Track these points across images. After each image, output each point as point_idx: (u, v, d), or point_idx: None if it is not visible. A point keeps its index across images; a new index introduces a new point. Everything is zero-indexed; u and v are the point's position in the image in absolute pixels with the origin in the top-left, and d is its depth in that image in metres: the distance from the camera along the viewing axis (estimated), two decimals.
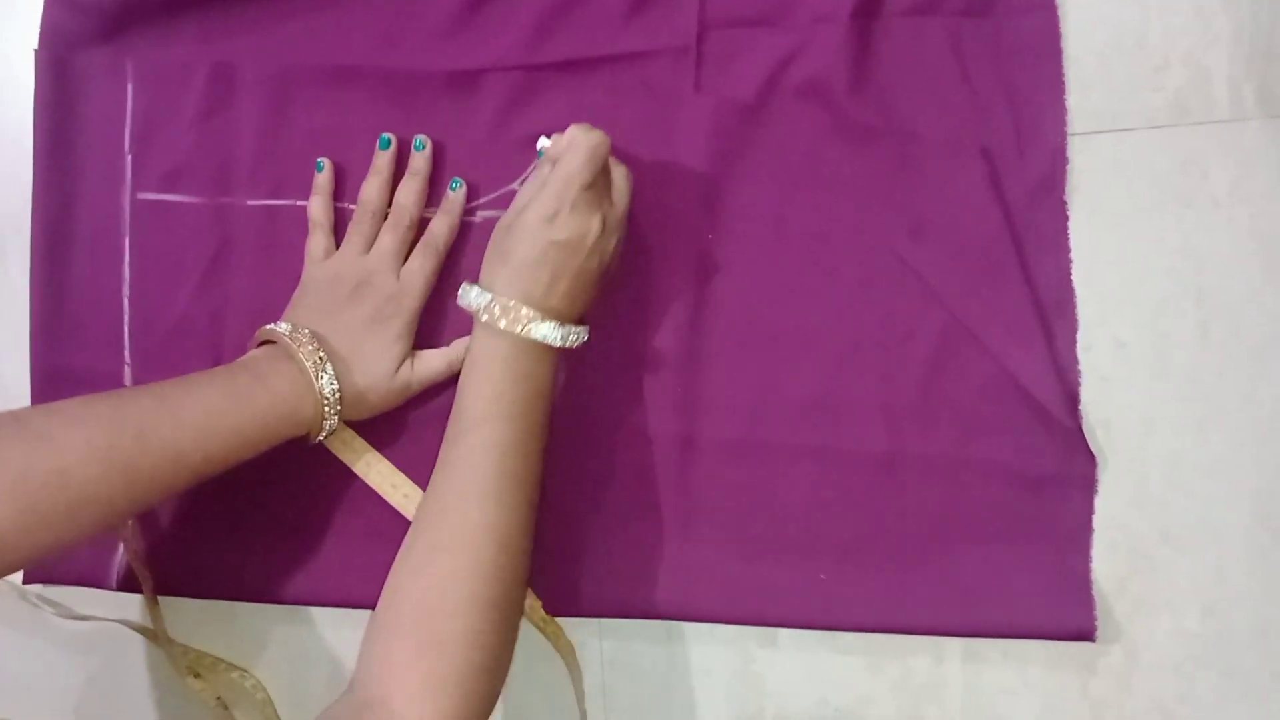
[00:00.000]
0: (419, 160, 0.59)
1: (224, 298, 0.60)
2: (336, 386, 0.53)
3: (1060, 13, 0.58)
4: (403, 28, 0.61)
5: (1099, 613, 0.56)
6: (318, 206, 0.59)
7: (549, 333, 0.50)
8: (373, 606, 0.59)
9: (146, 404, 0.48)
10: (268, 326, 0.54)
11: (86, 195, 0.61)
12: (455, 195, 0.59)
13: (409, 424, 0.59)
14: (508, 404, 0.50)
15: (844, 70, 0.58)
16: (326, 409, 0.53)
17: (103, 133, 0.61)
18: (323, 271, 0.57)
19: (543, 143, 0.55)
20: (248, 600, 0.60)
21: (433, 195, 0.60)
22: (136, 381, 0.61)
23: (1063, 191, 0.57)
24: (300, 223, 0.60)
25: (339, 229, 0.60)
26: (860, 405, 0.58)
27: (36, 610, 0.61)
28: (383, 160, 0.59)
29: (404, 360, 0.56)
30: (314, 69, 0.60)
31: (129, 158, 0.61)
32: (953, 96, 0.58)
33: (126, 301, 0.61)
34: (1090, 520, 0.56)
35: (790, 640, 0.59)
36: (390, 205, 0.58)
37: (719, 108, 0.59)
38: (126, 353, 0.61)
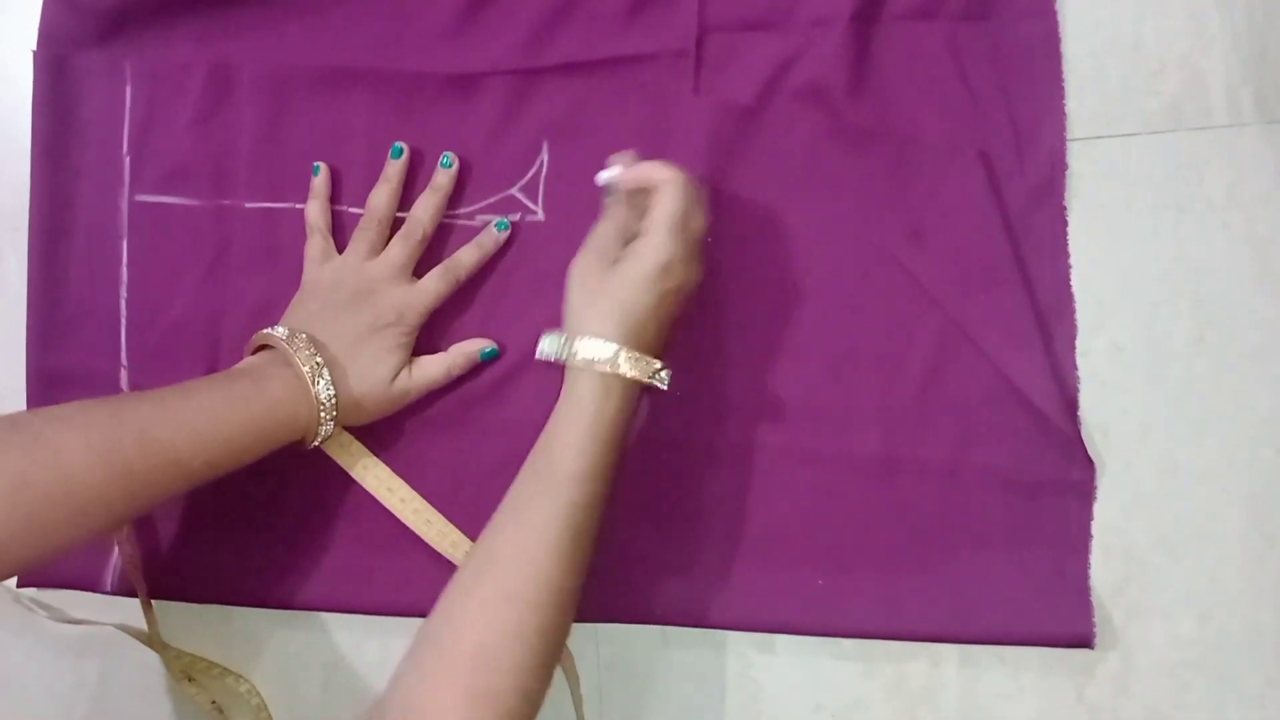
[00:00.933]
0: (443, 177, 0.58)
1: (222, 300, 0.60)
2: (333, 392, 0.53)
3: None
4: (401, 30, 0.61)
5: (1095, 618, 0.56)
6: (315, 210, 0.59)
7: (664, 378, 0.50)
8: (367, 611, 0.59)
9: (145, 409, 0.48)
10: (265, 331, 0.54)
11: (84, 197, 0.61)
12: (496, 234, 0.59)
13: (407, 430, 0.59)
14: (605, 464, 0.49)
15: (843, 74, 0.58)
16: (323, 414, 0.53)
17: (101, 134, 0.61)
18: (323, 276, 0.57)
19: (606, 176, 0.54)
20: (243, 604, 0.60)
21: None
22: (133, 384, 0.60)
23: (1061, 196, 0.57)
24: (299, 225, 0.60)
25: (338, 233, 0.60)
26: (857, 410, 0.58)
27: (30, 614, 0.61)
28: (394, 169, 0.58)
29: (401, 369, 0.56)
30: (313, 71, 0.60)
31: (127, 159, 0.61)
32: (951, 100, 0.58)
33: (124, 304, 0.61)
34: (1089, 526, 0.56)
35: (787, 645, 0.58)
36: (396, 215, 0.58)
37: (718, 111, 0.59)
38: (123, 355, 0.61)
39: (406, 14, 0.61)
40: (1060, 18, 0.58)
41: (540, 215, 0.60)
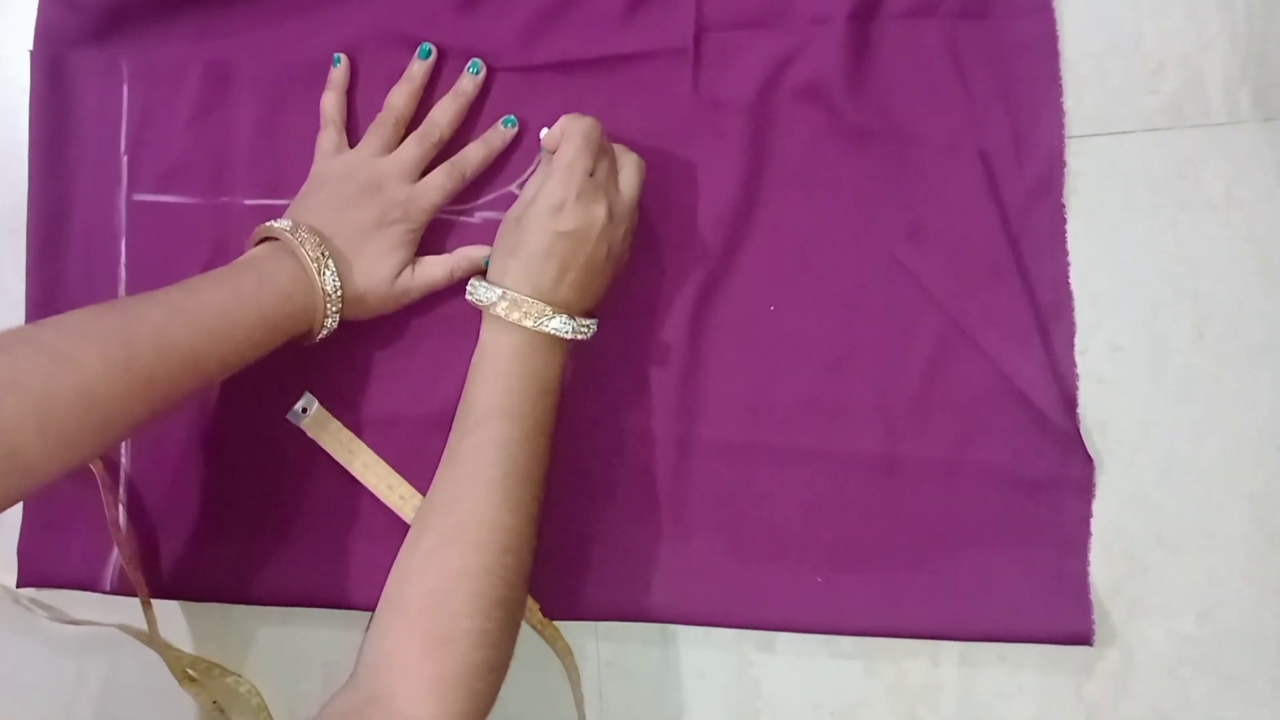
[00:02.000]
0: (468, 82, 0.59)
1: None
2: (339, 284, 0.53)
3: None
4: (398, 27, 0.61)
5: (1094, 616, 0.56)
6: (331, 102, 0.59)
7: (560, 325, 0.51)
8: (368, 608, 0.59)
9: (157, 313, 0.48)
10: (268, 223, 0.54)
11: (82, 196, 0.61)
12: (504, 130, 0.59)
13: (405, 424, 0.59)
14: (517, 400, 0.50)
15: (841, 72, 0.58)
16: (329, 306, 0.53)
17: (98, 133, 0.61)
18: (332, 168, 0.57)
19: (543, 133, 0.55)
20: (242, 602, 0.60)
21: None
22: None
23: (1060, 194, 0.57)
24: None
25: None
26: (857, 408, 0.58)
27: (30, 614, 0.61)
28: (418, 69, 0.59)
29: (405, 267, 0.56)
30: (309, 67, 0.60)
31: (125, 159, 0.61)
32: (950, 99, 0.58)
33: None
34: (1088, 524, 0.56)
35: (786, 644, 0.58)
36: (414, 117, 0.59)
37: (716, 109, 0.59)
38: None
39: (403, 11, 0.61)
40: (1059, 16, 0.58)
41: None
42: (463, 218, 0.60)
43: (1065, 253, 0.57)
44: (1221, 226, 0.57)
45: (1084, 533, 0.56)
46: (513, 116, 0.59)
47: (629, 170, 0.54)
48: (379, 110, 0.60)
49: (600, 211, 0.51)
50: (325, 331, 0.54)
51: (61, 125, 0.61)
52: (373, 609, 0.58)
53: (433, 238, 0.59)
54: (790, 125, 0.59)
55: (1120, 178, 0.58)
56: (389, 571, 0.58)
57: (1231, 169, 0.57)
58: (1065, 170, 0.57)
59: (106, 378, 0.44)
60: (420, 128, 0.58)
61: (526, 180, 0.59)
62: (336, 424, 0.58)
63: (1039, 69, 0.58)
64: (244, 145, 0.60)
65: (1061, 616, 0.56)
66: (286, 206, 0.60)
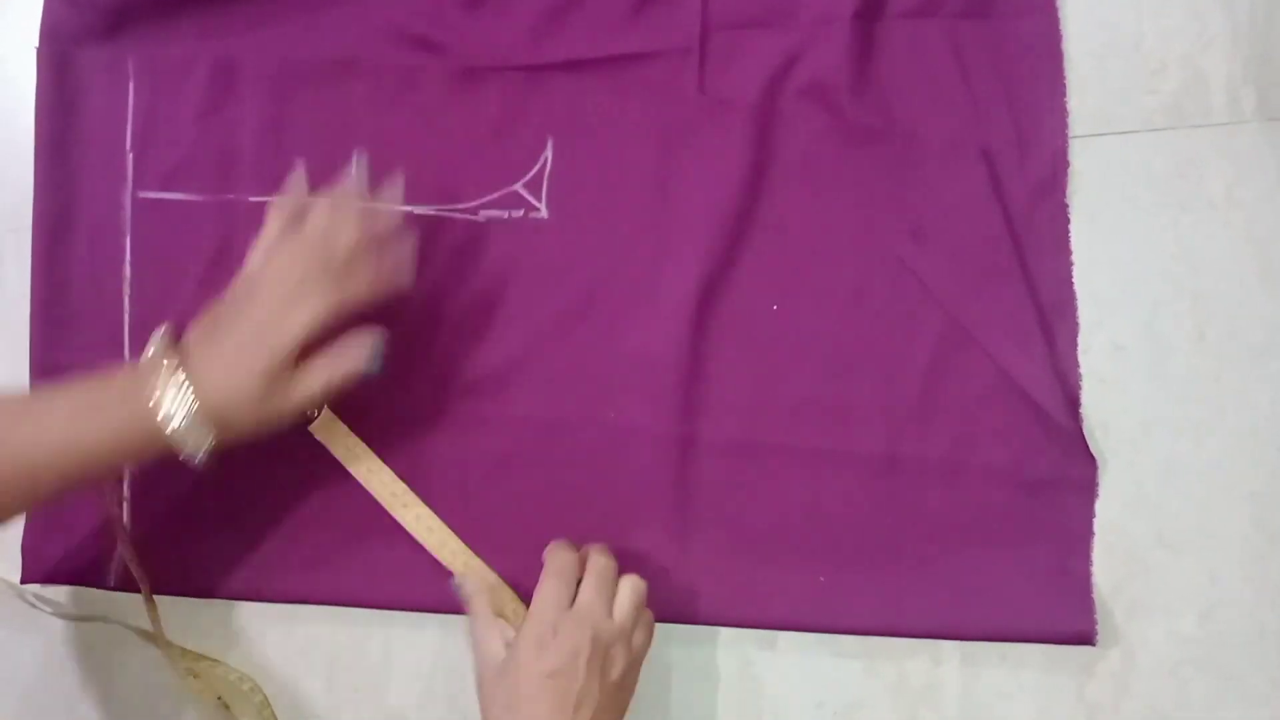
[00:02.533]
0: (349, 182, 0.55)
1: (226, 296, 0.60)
2: (190, 414, 0.48)
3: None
4: (405, 25, 0.61)
5: (1097, 616, 0.56)
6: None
7: None
8: (370, 605, 0.59)
9: (5, 419, 0.47)
10: (152, 341, 0.51)
11: (87, 194, 0.61)
12: (353, 185, 0.55)
13: (408, 427, 0.59)
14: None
15: (845, 72, 0.58)
16: (176, 438, 0.48)
17: (104, 131, 0.61)
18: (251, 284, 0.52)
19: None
20: (245, 599, 0.60)
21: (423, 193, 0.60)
22: None
23: (1063, 194, 0.58)
24: None
25: None
26: (860, 407, 0.58)
27: (33, 610, 0.61)
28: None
29: (273, 384, 0.49)
30: (315, 64, 0.61)
31: (130, 156, 0.61)
32: (953, 98, 0.58)
33: (127, 300, 0.61)
34: (1091, 523, 0.57)
35: (788, 643, 0.58)
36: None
37: (721, 109, 0.59)
38: (126, 352, 0.61)
39: (408, 9, 0.61)
40: (1061, 16, 0.58)
41: (544, 212, 0.60)
42: (466, 216, 0.60)
43: (1068, 252, 0.58)
44: (1223, 226, 0.57)
45: (1087, 532, 0.57)
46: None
47: (625, 593, 0.52)
48: (384, 112, 0.60)
49: (583, 640, 0.48)
50: (199, 456, 0.49)
51: (67, 123, 0.61)
52: (374, 606, 0.59)
53: (440, 238, 0.60)
54: (794, 124, 0.59)
55: (1121, 178, 0.58)
56: (393, 568, 0.58)
57: (1232, 169, 0.57)
58: (1069, 170, 0.58)
59: None
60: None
61: (529, 180, 0.60)
62: (344, 428, 0.59)
63: (1042, 68, 0.58)
64: (249, 143, 0.60)
65: (1064, 616, 0.56)
66: None
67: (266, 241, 0.52)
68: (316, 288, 0.50)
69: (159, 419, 0.48)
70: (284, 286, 0.50)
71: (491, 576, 0.57)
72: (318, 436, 0.58)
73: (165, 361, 0.48)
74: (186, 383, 0.48)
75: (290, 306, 0.49)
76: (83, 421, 0.47)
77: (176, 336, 0.51)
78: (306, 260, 0.50)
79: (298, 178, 0.55)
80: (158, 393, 0.47)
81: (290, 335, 0.49)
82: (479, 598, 0.53)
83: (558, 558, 0.52)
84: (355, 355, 0.52)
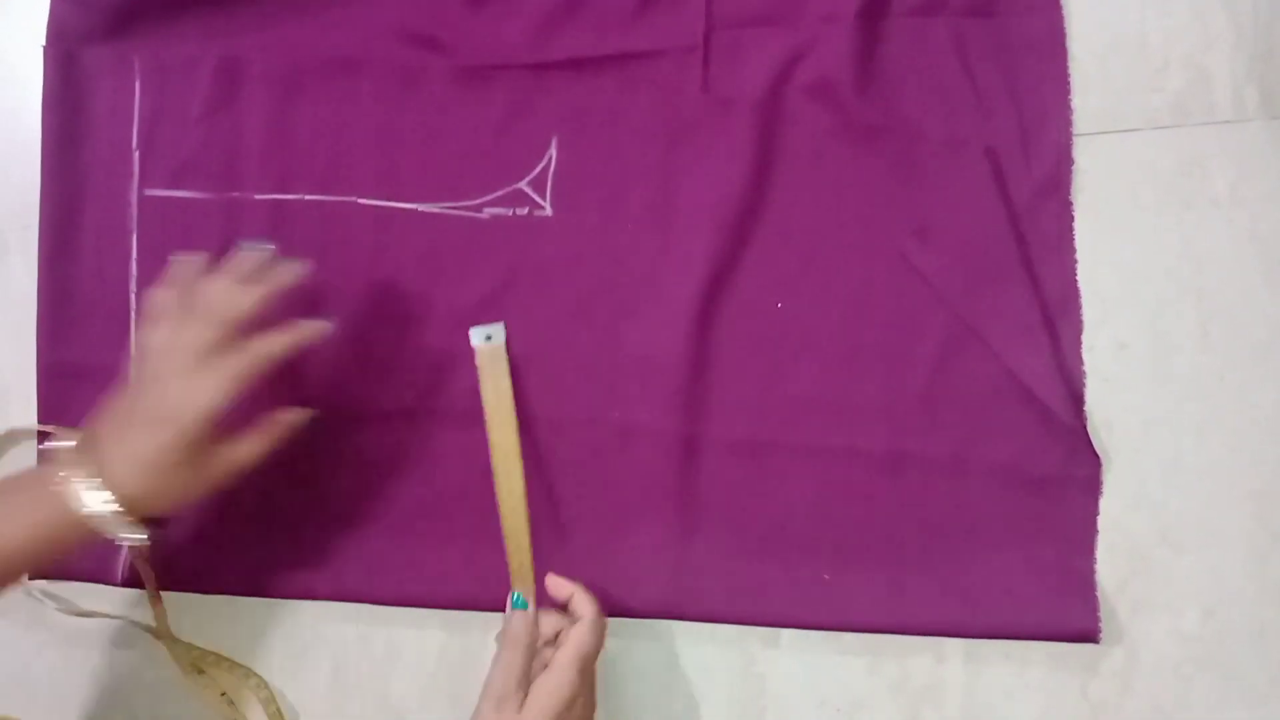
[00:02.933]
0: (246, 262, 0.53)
1: None
2: (109, 507, 0.47)
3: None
4: (408, 24, 0.61)
5: (1101, 614, 0.56)
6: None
7: None
8: (378, 601, 0.59)
9: None
10: (54, 440, 0.50)
11: (94, 192, 0.61)
12: (311, 328, 0.52)
13: (421, 426, 0.59)
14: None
15: (850, 70, 0.58)
16: (99, 525, 0.48)
17: (110, 129, 0.61)
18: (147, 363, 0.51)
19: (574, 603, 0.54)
20: (251, 595, 0.60)
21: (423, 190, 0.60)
22: None
23: (1068, 192, 0.58)
24: (308, 217, 0.60)
25: (340, 226, 0.60)
26: (864, 405, 0.58)
27: (40, 606, 0.61)
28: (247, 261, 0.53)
29: (180, 473, 0.49)
30: (320, 63, 0.61)
31: (136, 154, 0.61)
32: (958, 96, 0.58)
33: (133, 298, 0.61)
34: (1095, 521, 0.57)
35: (792, 641, 0.59)
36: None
37: (725, 106, 0.59)
38: (133, 349, 0.61)
39: (414, 7, 0.61)
40: (1065, 14, 0.58)
41: (548, 210, 0.60)
42: (469, 213, 0.60)
43: (1073, 250, 0.58)
44: (1226, 225, 0.57)
45: (1091, 530, 0.57)
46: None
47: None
48: (388, 110, 0.60)
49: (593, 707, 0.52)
50: (133, 537, 0.48)
51: (73, 121, 0.61)
52: (383, 603, 0.59)
53: (441, 234, 0.60)
54: (798, 123, 0.59)
55: (1125, 176, 0.58)
56: (399, 565, 0.58)
57: (1236, 167, 0.57)
58: (1073, 168, 0.58)
59: None
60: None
61: (534, 178, 0.60)
62: (506, 368, 0.58)
63: (1046, 67, 0.58)
64: (255, 141, 0.61)
65: (1068, 614, 0.56)
66: (296, 201, 0.60)
67: (156, 321, 0.51)
68: (218, 359, 0.49)
69: (81, 515, 0.47)
70: (184, 362, 0.49)
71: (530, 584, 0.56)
72: (478, 361, 0.58)
73: (76, 456, 0.48)
74: (98, 478, 0.47)
75: (194, 380, 0.48)
76: (6, 531, 0.47)
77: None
78: (203, 333, 0.49)
79: (183, 261, 0.53)
80: (74, 490, 0.47)
81: (197, 410, 0.48)
82: (523, 634, 0.53)
83: (601, 625, 0.53)
84: (281, 428, 0.52)
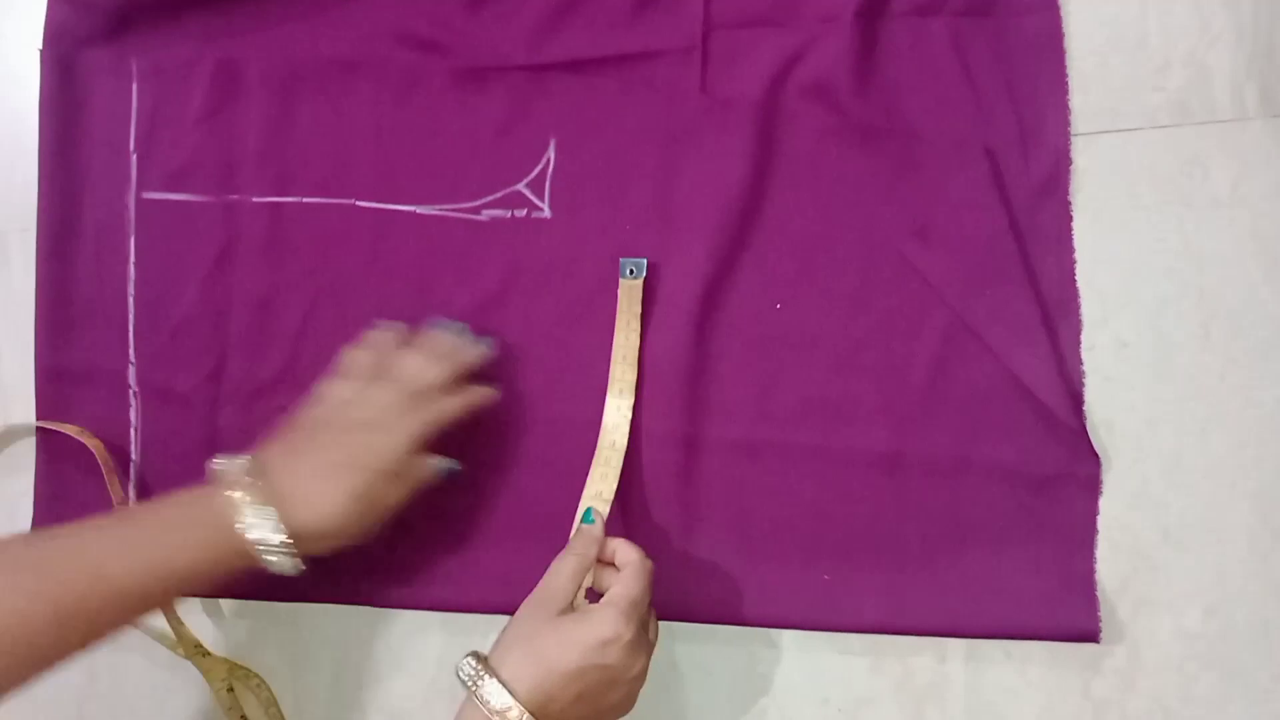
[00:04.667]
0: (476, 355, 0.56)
1: (229, 296, 0.61)
2: (275, 525, 0.49)
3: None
4: (406, 26, 0.61)
5: (1101, 612, 0.56)
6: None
7: None
8: (373, 602, 0.59)
9: (93, 550, 0.46)
10: (220, 461, 0.51)
11: (92, 195, 0.61)
12: (487, 392, 0.56)
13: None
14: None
15: (848, 70, 0.58)
16: (265, 547, 0.49)
17: (108, 132, 0.61)
18: (319, 411, 0.54)
19: (585, 522, 0.53)
20: (252, 598, 0.60)
21: (426, 191, 0.60)
22: (141, 380, 0.61)
23: (1067, 191, 0.58)
24: (306, 219, 0.60)
25: (336, 227, 0.60)
26: (864, 405, 0.58)
27: None
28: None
29: (355, 505, 0.51)
30: (318, 65, 0.61)
31: (134, 157, 0.61)
32: (956, 96, 0.58)
33: (131, 301, 0.61)
34: (1094, 521, 0.57)
35: (793, 641, 0.59)
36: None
37: (723, 107, 0.59)
38: (131, 352, 0.61)
39: (412, 10, 0.61)
40: (1064, 13, 0.58)
41: (547, 212, 0.60)
42: (467, 215, 0.60)
43: (1072, 250, 0.58)
44: (1227, 224, 0.57)
45: (1091, 530, 0.57)
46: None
47: (654, 633, 0.53)
48: (386, 112, 0.60)
49: (639, 665, 0.49)
50: (286, 567, 0.50)
51: (71, 124, 0.61)
52: (382, 605, 0.59)
53: (440, 236, 0.60)
54: (797, 123, 0.59)
55: (1125, 175, 0.58)
56: (391, 566, 0.58)
57: (1237, 166, 0.57)
58: (1072, 168, 0.58)
59: (26, 618, 0.43)
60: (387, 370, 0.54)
61: (532, 180, 0.60)
62: (639, 309, 0.58)
63: (1045, 66, 0.58)
64: (253, 144, 0.61)
65: (1068, 613, 0.56)
66: (294, 204, 0.60)
67: (346, 376, 0.54)
68: (401, 418, 0.52)
69: (248, 543, 0.49)
70: (371, 416, 0.52)
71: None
72: (621, 292, 0.58)
73: (248, 486, 0.49)
74: (272, 508, 0.49)
75: (378, 435, 0.51)
76: (172, 549, 0.47)
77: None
78: (390, 394, 0.53)
79: (382, 328, 0.57)
80: (244, 519, 0.48)
81: (380, 462, 0.51)
82: (591, 543, 0.52)
83: (647, 569, 0.51)
84: (441, 464, 0.54)
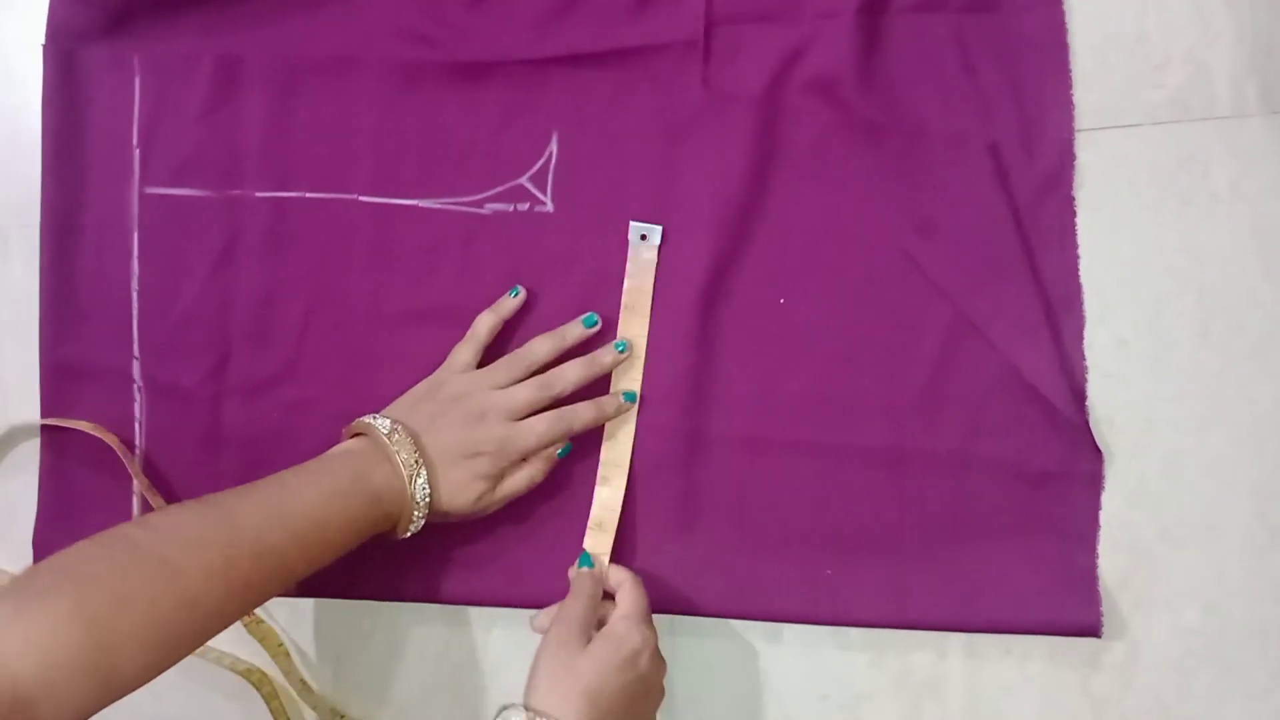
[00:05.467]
0: (608, 357, 0.58)
1: (232, 291, 0.61)
2: (428, 492, 0.53)
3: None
4: (408, 21, 0.61)
5: (1103, 608, 0.56)
6: (485, 323, 0.58)
7: None
8: (378, 597, 0.59)
9: (256, 517, 0.48)
10: (366, 419, 0.54)
11: (94, 190, 0.61)
12: (621, 403, 0.58)
13: None
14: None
15: (850, 66, 0.58)
16: (415, 513, 0.53)
17: (110, 127, 0.61)
18: (450, 383, 0.56)
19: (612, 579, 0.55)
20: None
21: (428, 185, 0.60)
22: (145, 375, 0.61)
23: (1070, 188, 0.58)
24: (309, 215, 0.60)
25: (338, 222, 0.60)
26: (866, 401, 0.58)
27: None
28: (572, 333, 0.58)
29: (486, 493, 0.55)
30: (320, 60, 0.61)
31: (136, 152, 0.62)
32: (959, 92, 0.58)
33: (135, 295, 0.61)
34: (1096, 517, 0.57)
35: (793, 636, 0.59)
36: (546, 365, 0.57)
37: (725, 102, 0.59)
38: (135, 346, 0.61)
39: (414, 4, 0.61)
40: (1066, 10, 0.58)
41: (549, 206, 0.60)
42: (470, 209, 0.60)
43: (1075, 246, 0.58)
44: (1226, 220, 0.57)
45: (1092, 525, 0.57)
46: (633, 393, 0.58)
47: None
48: (388, 107, 0.60)
49: (664, 667, 0.52)
50: (407, 534, 0.54)
51: (73, 119, 0.61)
52: (387, 599, 0.59)
53: (442, 230, 0.60)
54: (799, 119, 0.59)
55: (1125, 171, 0.58)
56: (391, 562, 0.58)
57: (1237, 163, 0.57)
58: (1075, 164, 0.58)
59: (208, 588, 0.45)
60: (544, 376, 0.56)
61: (534, 174, 0.60)
62: (651, 281, 0.59)
63: (1048, 62, 0.58)
64: (255, 139, 0.61)
65: (1070, 608, 0.56)
66: (296, 199, 0.61)
67: (509, 366, 0.57)
68: (548, 422, 0.55)
69: (405, 519, 0.53)
70: (511, 407, 0.55)
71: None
72: (624, 299, 0.59)
73: (414, 464, 0.52)
74: (425, 485, 0.52)
75: (521, 429, 0.55)
76: (330, 513, 0.50)
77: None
78: (539, 393, 0.56)
79: (543, 339, 0.58)
80: (412, 481, 0.52)
81: (519, 451, 0.55)
82: (595, 583, 0.55)
83: (639, 580, 0.54)
84: (551, 450, 0.57)
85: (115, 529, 0.46)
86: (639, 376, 0.59)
